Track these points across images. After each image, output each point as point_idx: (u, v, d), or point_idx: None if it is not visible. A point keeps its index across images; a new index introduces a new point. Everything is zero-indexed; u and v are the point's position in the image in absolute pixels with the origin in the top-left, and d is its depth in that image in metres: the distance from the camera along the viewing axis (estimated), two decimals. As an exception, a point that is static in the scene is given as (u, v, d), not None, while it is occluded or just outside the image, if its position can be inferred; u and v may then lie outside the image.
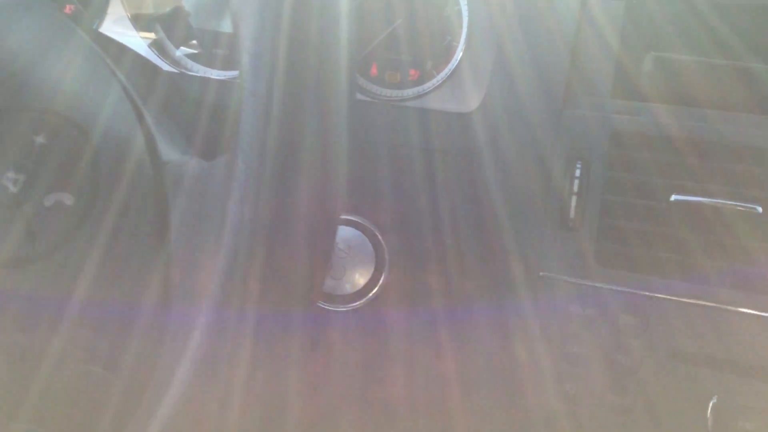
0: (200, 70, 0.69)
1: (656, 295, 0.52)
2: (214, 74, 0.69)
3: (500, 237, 0.56)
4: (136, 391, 0.40)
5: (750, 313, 0.50)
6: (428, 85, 0.63)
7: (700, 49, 0.60)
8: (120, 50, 0.58)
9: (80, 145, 0.41)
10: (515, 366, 0.56)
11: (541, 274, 0.55)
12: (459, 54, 0.62)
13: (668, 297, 0.52)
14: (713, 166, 0.52)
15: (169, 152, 0.42)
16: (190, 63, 0.69)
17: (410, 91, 0.63)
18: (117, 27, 0.70)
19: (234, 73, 0.69)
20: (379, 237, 0.61)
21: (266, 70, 0.35)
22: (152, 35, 0.70)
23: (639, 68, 0.57)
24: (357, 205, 0.63)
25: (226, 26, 0.71)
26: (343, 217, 0.63)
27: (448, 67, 0.63)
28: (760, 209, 0.50)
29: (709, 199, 0.51)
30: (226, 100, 0.64)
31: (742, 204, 0.50)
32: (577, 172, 0.54)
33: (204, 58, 0.70)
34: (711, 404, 0.51)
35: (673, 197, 0.52)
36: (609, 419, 0.53)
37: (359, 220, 0.63)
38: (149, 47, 0.69)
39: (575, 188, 0.54)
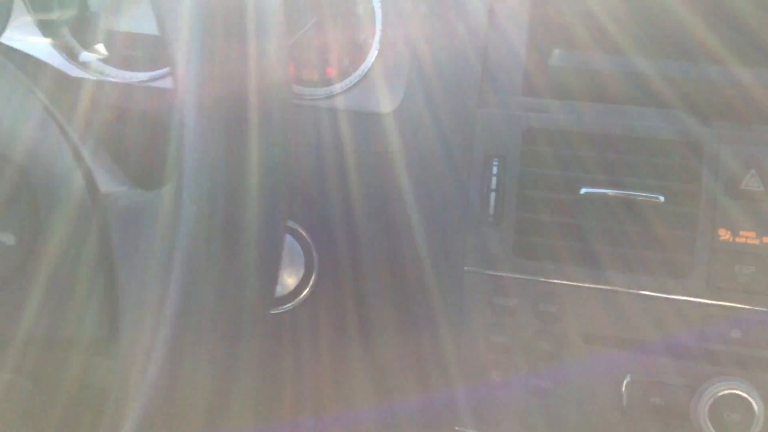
0: (119, 75, 0.67)
1: (572, 283, 0.55)
2: (135, 78, 0.67)
3: (424, 235, 0.58)
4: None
5: (655, 296, 0.54)
6: (346, 83, 0.64)
7: (605, 45, 0.63)
8: (35, 66, 0.56)
9: (14, 181, 0.40)
10: (444, 357, 0.58)
11: (465, 269, 0.57)
12: (374, 52, 0.63)
13: (582, 284, 0.55)
14: (620, 159, 0.55)
15: (108, 183, 0.41)
16: (107, 68, 0.67)
17: (327, 90, 0.64)
18: (18, 34, 0.68)
19: (156, 73, 0.68)
20: (308, 238, 0.62)
21: (209, 108, 0.35)
22: (60, 40, 0.68)
23: (546, 65, 0.59)
24: None
25: (139, 26, 0.70)
26: None
27: (364, 65, 0.64)
28: (662, 198, 0.53)
29: (616, 191, 0.54)
30: (155, 108, 0.63)
31: (646, 194, 0.54)
32: (494, 170, 0.56)
33: (119, 60, 0.68)
34: (625, 382, 0.55)
35: (583, 190, 0.54)
36: (532, 402, 0.57)
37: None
38: (59, 54, 0.67)
39: (493, 185, 0.56)
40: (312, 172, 0.62)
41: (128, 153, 0.50)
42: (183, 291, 0.33)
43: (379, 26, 0.64)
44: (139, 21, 0.70)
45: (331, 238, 0.61)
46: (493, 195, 0.56)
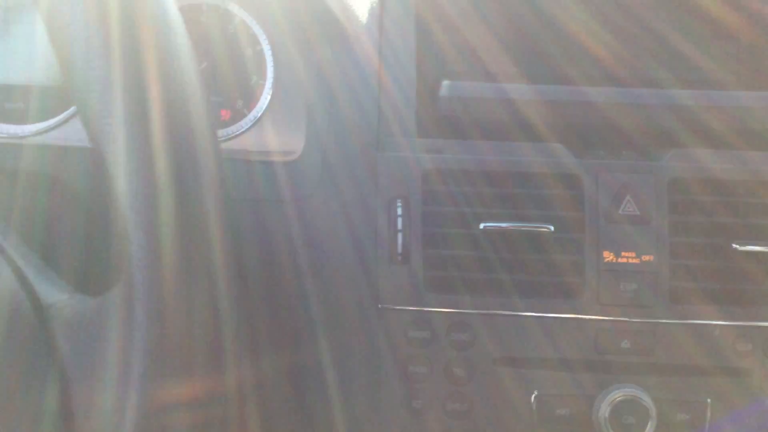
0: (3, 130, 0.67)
1: (479, 311, 0.60)
2: (21, 132, 0.67)
3: (339, 277, 0.61)
4: None
5: (554, 317, 0.59)
6: (240, 125, 0.67)
7: (491, 75, 0.68)
8: None
9: None
10: (365, 391, 0.62)
11: (380, 306, 0.61)
12: (267, 95, 0.66)
13: (489, 312, 0.60)
14: (512, 193, 0.60)
15: (49, 293, 0.40)
16: None
17: (222, 132, 0.67)
18: None
19: (46, 124, 0.67)
20: None
21: (155, 228, 0.36)
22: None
23: (437, 102, 0.64)
24: None
25: (13, 77, 0.69)
26: None
27: (258, 107, 0.67)
28: (552, 228, 0.59)
29: (511, 224, 0.59)
30: (63, 172, 0.63)
31: (538, 225, 0.59)
32: (399, 211, 0.60)
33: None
34: (533, 397, 0.60)
35: (481, 225, 0.59)
36: (452, 425, 0.61)
37: None
38: None
39: (399, 226, 0.60)
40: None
41: (56, 244, 0.50)
42: (141, 401, 0.35)
43: (270, 70, 0.67)
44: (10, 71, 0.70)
45: (245, 286, 0.63)
46: (399, 235, 0.60)
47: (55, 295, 0.40)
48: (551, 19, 0.67)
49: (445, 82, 0.63)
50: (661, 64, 0.67)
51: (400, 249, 0.60)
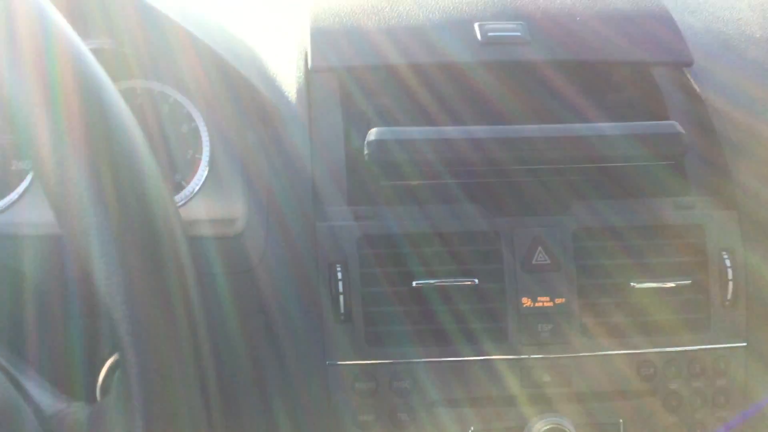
0: None
1: (418, 360, 0.67)
2: None
3: (289, 338, 0.67)
4: None
5: (484, 359, 0.67)
6: (180, 197, 0.71)
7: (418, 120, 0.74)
8: None
9: None
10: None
11: (327, 362, 0.66)
12: (204, 169, 0.71)
13: (426, 359, 0.67)
14: (439, 251, 0.67)
15: (48, 402, 0.42)
16: None
17: None
18: None
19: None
20: None
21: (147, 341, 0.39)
22: None
23: (370, 172, 0.70)
24: None
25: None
26: None
27: (195, 180, 0.72)
28: (477, 281, 0.66)
29: (440, 280, 0.66)
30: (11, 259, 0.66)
31: (465, 279, 0.66)
32: (339, 275, 0.66)
33: None
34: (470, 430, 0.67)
35: (414, 283, 0.66)
36: None
37: None
38: None
39: (340, 288, 0.66)
40: None
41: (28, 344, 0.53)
42: None
43: (206, 144, 0.72)
44: None
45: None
46: (341, 297, 0.66)
47: (55, 404, 0.43)
48: (468, 92, 0.74)
49: (373, 129, 0.69)
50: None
51: (342, 309, 0.66)
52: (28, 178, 0.72)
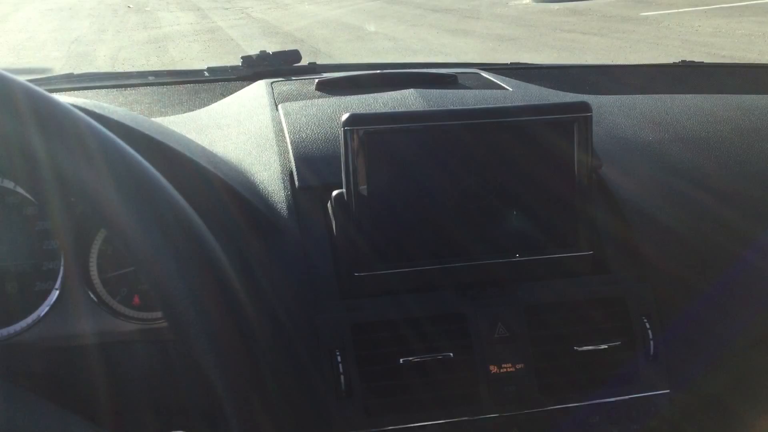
0: None
1: (409, 425, 0.80)
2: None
3: (297, 413, 0.79)
4: None
5: (463, 420, 0.80)
6: None
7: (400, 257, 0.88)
8: None
9: None
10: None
11: None
12: None
13: (416, 424, 0.80)
14: (420, 331, 0.82)
15: None
16: None
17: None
18: None
19: (17, 327, 0.79)
20: None
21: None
22: None
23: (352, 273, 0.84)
24: None
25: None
26: None
27: None
28: (452, 354, 0.81)
29: (422, 356, 0.80)
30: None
31: (442, 354, 0.81)
32: (339, 359, 0.80)
33: None
34: None
35: (401, 360, 0.80)
36: None
37: None
38: None
39: (341, 370, 0.79)
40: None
41: None
42: None
43: None
44: None
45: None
46: (342, 377, 0.79)
47: None
48: (438, 215, 0.88)
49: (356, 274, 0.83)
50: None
51: (343, 387, 0.79)
52: (54, 294, 0.83)
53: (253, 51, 1.48)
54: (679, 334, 0.88)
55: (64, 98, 0.80)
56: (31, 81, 1.55)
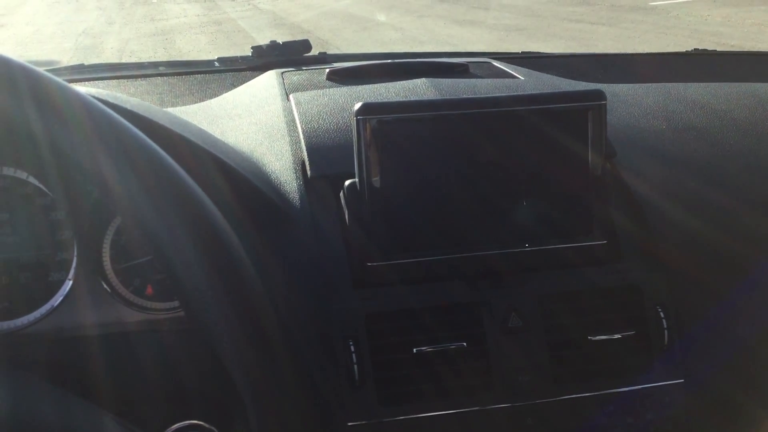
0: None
1: (422, 414, 0.80)
2: (13, 325, 0.79)
3: (310, 402, 0.79)
4: None
5: (477, 409, 0.80)
6: None
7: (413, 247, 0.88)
8: None
9: None
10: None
11: (348, 424, 0.79)
12: None
13: (429, 414, 0.80)
14: (433, 322, 0.81)
15: None
16: None
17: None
18: None
19: (37, 314, 0.80)
20: None
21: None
22: None
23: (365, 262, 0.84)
24: None
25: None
26: None
27: None
28: (465, 344, 0.80)
29: (435, 346, 0.80)
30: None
31: (454, 344, 0.80)
32: (352, 348, 0.79)
33: None
34: None
35: (414, 350, 0.80)
36: None
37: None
38: None
39: (354, 360, 0.79)
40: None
41: None
42: None
43: None
44: None
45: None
46: (355, 367, 0.79)
47: None
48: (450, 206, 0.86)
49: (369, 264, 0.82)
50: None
51: (357, 377, 0.79)
52: (68, 285, 0.83)
53: (261, 42, 1.48)
54: (692, 326, 0.88)
55: (79, 88, 0.80)
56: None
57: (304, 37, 1.49)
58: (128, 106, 0.76)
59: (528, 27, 7.98)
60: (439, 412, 0.80)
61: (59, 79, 0.49)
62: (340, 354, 0.80)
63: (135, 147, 0.49)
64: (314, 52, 1.51)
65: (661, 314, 0.86)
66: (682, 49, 1.77)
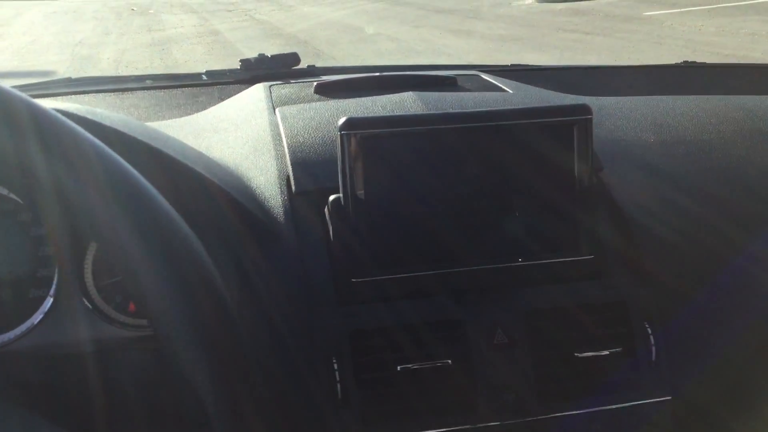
0: None
1: None
2: None
3: (292, 421, 0.78)
4: None
5: (461, 428, 0.79)
6: None
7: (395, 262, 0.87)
8: None
9: None
10: None
11: None
12: None
13: None
14: (411, 339, 0.80)
15: None
16: None
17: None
18: None
19: (18, 331, 0.79)
20: None
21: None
22: None
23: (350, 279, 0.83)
24: None
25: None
26: None
27: None
28: (450, 361, 0.80)
29: (420, 364, 0.79)
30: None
31: (439, 361, 0.79)
32: (335, 366, 0.79)
33: None
34: None
35: (398, 367, 0.79)
36: None
37: None
38: None
39: (337, 378, 0.78)
40: None
41: None
42: None
43: None
44: None
45: None
46: (338, 385, 0.78)
47: None
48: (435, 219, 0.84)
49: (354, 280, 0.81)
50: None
51: (340, 395, 0.78)
52: (48, 302, 0.82)
53: (257, 53, 1.48)
54: (679, 342, 0.87)
55: (59, 103, 0.79)
56: (29, 86, 1.55)
57: (300, 49, 1.49)
58: (107, 123, 0.75)
59: (523, 37, 8.01)
60: None
61: (26, 96, 0.48)
62: (322, 372, 0.79)
63: (106, 169, 0.48)
64: (310, 63, 1.51)
65: (649, 330, 0.85)
66: (677, 59, 1.77)
